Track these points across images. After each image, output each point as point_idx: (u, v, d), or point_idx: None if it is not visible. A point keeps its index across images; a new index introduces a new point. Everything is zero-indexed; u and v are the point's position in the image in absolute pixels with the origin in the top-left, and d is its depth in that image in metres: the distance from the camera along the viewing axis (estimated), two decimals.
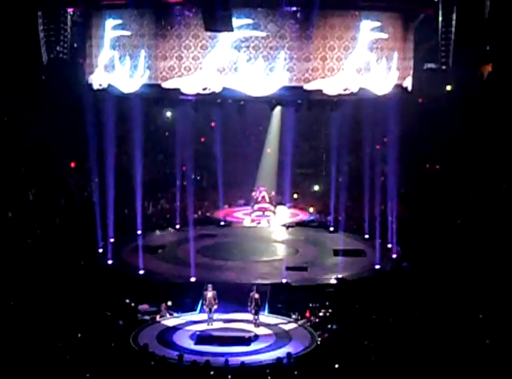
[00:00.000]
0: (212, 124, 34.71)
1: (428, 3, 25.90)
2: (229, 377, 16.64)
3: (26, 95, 34.22)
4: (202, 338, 20.86)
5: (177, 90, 24.11)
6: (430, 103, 36.88)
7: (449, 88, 35.57)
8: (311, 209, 34.92)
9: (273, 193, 34.46)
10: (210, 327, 21.72)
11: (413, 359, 16.75)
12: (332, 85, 24.23)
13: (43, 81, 36.89)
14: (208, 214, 34.45)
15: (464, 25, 27.63)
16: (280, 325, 21.87)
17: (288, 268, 25.97)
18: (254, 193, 34.06)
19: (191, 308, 22.86)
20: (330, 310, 22.26)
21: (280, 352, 19.32)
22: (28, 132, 34.37)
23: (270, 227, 32.85)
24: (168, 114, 38.68)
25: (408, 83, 25.91)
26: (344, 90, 24.47)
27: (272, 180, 35.67)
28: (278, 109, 31.14)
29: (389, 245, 28.07)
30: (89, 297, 22.49)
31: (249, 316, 22.01)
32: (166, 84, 24.15)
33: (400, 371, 16.08)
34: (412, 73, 26.14)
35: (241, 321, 22.08)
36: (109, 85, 25.15)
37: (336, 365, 16.96)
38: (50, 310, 20.58)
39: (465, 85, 35.56)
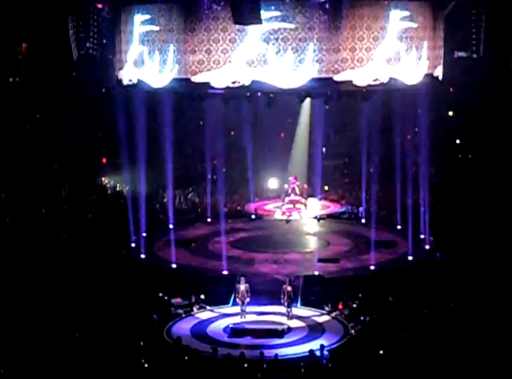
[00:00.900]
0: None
1: None
2: (263, 369, 16.64)
3: (58, 92, 34.51)
4: (236, 331, 20.86)
5: (206, 84, 24.11)
6: (461, 92, 36.55)
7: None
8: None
9: (304, 186, 34.37)
10: (243, 320, 21.72)
11: (449, 351, 16.67)
12: (361, 76, 24.10)
13: (74, 78, 37.17)
14: (239, 207, 34.45)
15: (496, 13, 27.25)
16: (313, 317, 21.84)
17: (319, 260, 25.97)
18: (285, 186, 33.97)
19: (224, 301, 22.88)
20: (363, 302, 22.17)
21: (314, 344, 19.26)
22: (61, 128, 34.62)
23: (301, 220, 32.75)
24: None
25: (438, 72, 25.71)
26: (374, 80, 24.33)
27: (303, 173, 35.59)
28: (308, 101, 31.08)
29: (422, 236, 27.89)
30: (122, 291, 22.61)
31: (282, 308, 22.01)
32: (195, 78, 24.14)
33: (435, 364, 15.96)
34: (442, 62, 25.94)
35: (274, 314, 22.07)
36: (139, 80, 25.22)
37: (370, 358, 16.90)
38: (83, 304, 20.75)
39: (497, 74, 35.26)
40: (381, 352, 17.35)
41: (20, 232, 26.76)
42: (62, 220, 28.79)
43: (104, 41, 27.25)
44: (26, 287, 21.78)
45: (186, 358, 17.33)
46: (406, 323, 19.54)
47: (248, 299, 22.09)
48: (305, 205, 33.69)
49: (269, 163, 36.57)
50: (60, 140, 34.34)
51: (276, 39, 23.63)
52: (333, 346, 19.38)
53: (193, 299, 22.77)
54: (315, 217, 32.67)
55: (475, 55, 27.90)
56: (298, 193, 33.68)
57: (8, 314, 19.17)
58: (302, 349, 19.06)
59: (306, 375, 16.23)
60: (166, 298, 22.70)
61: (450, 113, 35.52)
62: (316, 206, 34.18)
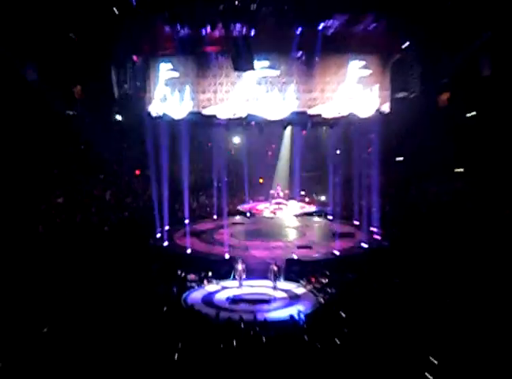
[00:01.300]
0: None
1: (399, 48, 25.62)
2: (256, 329, 16.50)
3: (105, 122, 34.41)
4: (235, 299, 20.80)
5: (213, 116, 24.12)
6: (401, 123, 36.48)
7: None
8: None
9: (286, 191, 34.25)
10: (241, 291, 21.59)
11: (391, 316, 16.52)
12: (329, 110, 24.16)
13: (116, 112, 37.05)
14: (237, 207, 34.30)
15: (428, 62, 27.24)
16: (293, 290, 21.77)
17: (298, 247, 25.88)
18: (272, 192, 33.86)
19: (226, 277, 22.78)
20: (330, 278, 22.08)
21: (293, 310, 19.18)
22: (106, 149, 34.54)
23: (284, 217, 32.61)
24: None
25: (385, 108, 25.76)
26: (338, 114, 24.39)
27: (285, 181, 35.47)
28: (289, 128, 31.10)
29: (373, 229, 27.81)
30: (150, 270, 22.44)
31: (269, 283, 21.91)
32: (205, 112, 24.18)
33: (381, 323, 15.81)
34: (388, 100, 25.96)
35: (263, 287, 21.99)
36: (163, 113, 25.19)
37: (335, 320, 16.75)
38: (120, 279, 20.60)
39: (429, 109, 35.23)
40: (343, 315, 17.24)
41: (75, 226, 26.65)
42: (106, 217, 28.62)
43: (138, 83, 27.19)
44: (79, 264, 21.67)
45: (198, 319, 17.20)
46: (362, 294, 19.42)
47: (244, 276, 22.06)
48: (286, 206, 33.60)
49: (260, 174, 36.43)
50: (105, 158, 34.22)
51: (266, 82, 23.72)
52: (308, 311, 19.28)
53: (203, 276, 22.67)
54: (294, 215, 32.57)
55: (412, 95, 27.85)
56: (281, 196, 33.59)
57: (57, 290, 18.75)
58: (284, 313, 19.00)
59: (287, 333, 16.07)
60: (183, 274, 22.58)
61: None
62: (295, 207, 34.06)
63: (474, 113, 30.39)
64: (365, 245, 26.01)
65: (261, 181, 35.04)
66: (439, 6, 23.01)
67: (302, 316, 18.08)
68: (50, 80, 28.67)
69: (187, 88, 24.59)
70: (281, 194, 33.77)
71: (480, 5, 23.71)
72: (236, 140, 37.78)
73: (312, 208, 34.19)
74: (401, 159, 33.97)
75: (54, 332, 14.28)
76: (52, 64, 27.83)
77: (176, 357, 13.58)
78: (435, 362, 12.20)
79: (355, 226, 29.27)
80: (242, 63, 21.92)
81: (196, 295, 21.24)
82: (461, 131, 32.93)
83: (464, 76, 28.91)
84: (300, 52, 23.49)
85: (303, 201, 35.18)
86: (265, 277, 22.19)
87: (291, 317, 17.77)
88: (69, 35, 26.73)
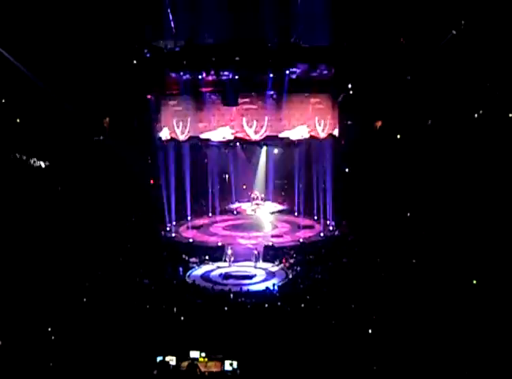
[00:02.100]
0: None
1: (345, 89, 25.73)
2: (242, 298, 16.53)
3: (131, 145, 33.29)
4: (226, 275, 20.77)
5: (208, 139, 24.11)
6: (348, 144, 36.52)
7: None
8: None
9: (263, 195, 34.23)
10: (230, 269, 21.61)
11: (339, 286, 16.58)
12: (294, 134, 24.24)
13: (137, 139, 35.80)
14: (226, 207, 34.14)
15: (367, 98, 27.23)
16: (269, 268, 21.77)
17: (272, 236, 25.89)
18: (252, 195, 33.84)
19: (219, 259, 22.72)
20: (296, 259, 22.13)
21: (269, 283, 19.25)
22: (129, 165, 33.57)
23: (261, 214, 32.60)
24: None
25: (335, 132, 25.90)
26: (301, 136, 24.51)
27: (262, 187, 35.42)
28: (264, 148, 31.16)
29: (328, 222, 27.94)
30: (161, 255, 22.36)
31: (251, 263, 21.94)
32: (202, 136, 24.14)
33: (332, 291, 15.87)
34: (337, 126, 26.11)
35: (247, 266, 21.99)
36: (171, 138, 25.10)
37: (298, 290, 16.84)
38: (137, 263, 20.37)
39: (366, 134, 35.40)
40: (301, 286, 17.34)
41: (96, 217, 25.34)
42: (126, 215, 28.15)
43: (152, 115, 26.98)
44: (96, 250, 20.82)
45: (198, 291, 17.18)
46: (318, 270, 19.54)
47: (233, 258, 22.01)
48: (263, 205, 33.56)
49: (243, 181, 36.28)
50: (127, 171, 33.60)
51: (247, 114, 23.77)
52: (279, 283, 19.34)
53: (202, 258, 22.63)
54: (270, 212, 32.57)
55: (352, 122, 28.04)
56: (260, 198, 33.55)
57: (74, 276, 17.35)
58: (262, 286, 19.03)
59: (264, 300, 16.16)
60: (187, 258, 22.53)
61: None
62: (270, 206, 34.04)
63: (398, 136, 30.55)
64: (322, 234, 26.18)
65: (244, 187, 34.84)
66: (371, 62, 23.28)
67: (275, 287, 18.20)
68: (83, 111, 27.65)
69: (188, 119, 24.60)
70: (259, 197, 33.65)
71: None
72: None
73: (282, 207, 34.16)
74: (347, 170, 34.04)
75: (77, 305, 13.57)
76: (84, 98, 26.84)
77: (182, 319, 13.62)
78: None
79: (315, 220, 29.40)
80: (229, 100, 22.12)
81: (197, 273, 21.21)
82: (391, 149, 33.03)
83: (394, 105, 28.81)
84: (272, 91, 23.62)
85: (276, 202, 34.93)
86: (248, 259, 22.25)
87: (267, 288, 17.88)
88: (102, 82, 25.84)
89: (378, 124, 32.32)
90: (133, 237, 24.11)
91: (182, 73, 23.48)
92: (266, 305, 15.04)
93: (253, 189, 34.59)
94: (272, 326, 12.96)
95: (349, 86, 25.56)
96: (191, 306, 15.01)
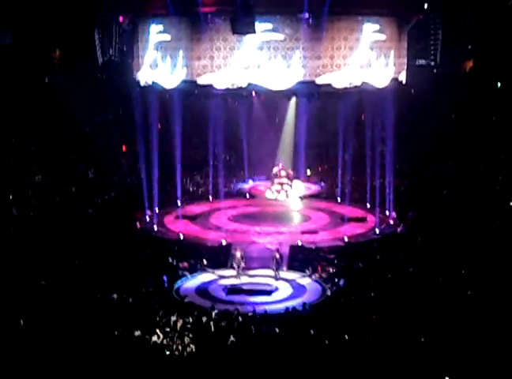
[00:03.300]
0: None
1: (419, 10, 25.50)
2: (255, 324, 16.57)
3: (86, 91, 34.31)
4: (232, 290, 20.87)
5: (210, 85, 24.06)
6: (420, 94, 36.41)
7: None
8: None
9: (290, 170, 34.21)
10: (238, 281, 21.70)
11: (408, 306, 16.68)
12: (339, 79, 24.11)
13: (100, 79, 36.96)
14: (235, 188, 34.29)
15: (450, 28, 27.12)
16: (297, 280, 21.81)
17: (302, 232, 25.95)
18: (274, 170, 33.81)
19: (223, 265, 22.79)
20: (338, 267, 22.13)
21: (296, 302, 19.25)
22: (87, 121, 34.50)
23: (287, 199, 32.64)
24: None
25: (402, 77, 25.71)
26: (350, 84, 24.37)
27: (289, 158, 35.42)
28: (294, 99, 31.03)
29: (387, 213, 27.86)
30: (137, 257, 22.47)
31: (270, 272, 22.00)
32: (200, 80, 24.08)
33: (396, 316, 16.00)
34: (406, 68, 25.88)
35: (264, 276, 22.04)
36: (153, 82, 25.11)
37: (343, 314, 16.86)
38: (105, 269, 20.65)
39: (451, 78, 35.19)
40: (346, 308, 17.41)
41: (54, 206, 26.71)
42: (89, 197, 28.69)
43: (124, 48, 27.04)
44: (60, 248, 21.93)
45: (191, 312, 17.28)
46: (371, 286, 19.50)
47: (243, 264, 22.10)
48: (290, 186, 33.59)
49: (262, 151, 36.33)
50: (87, 132, 34.16)
51: (268, 48, 23.56)
52: (313, 303, 19.35)
53: (198, 264, 22.74)
54: (299, 196, 32.61)
55: (432, 63, 27.79)
56: (285, 176, 33.55)
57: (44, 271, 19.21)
58: (286, 306, 19.03)
59: (290, 327, 16.18)
60: (175, 262, 22.62)
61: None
62: (299, 187, 34.06)
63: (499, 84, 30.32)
64: (378, 231, 26.08)
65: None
66: None
67: (306, 308, 18.20)
68: (26, 44, 28.48)
69: (180, 54, 24.41)
70: (284, 174, 33.69)
71: None
72: None
73: (319, 189, 34.16)
74: (419, 134, 33.90)
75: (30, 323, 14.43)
76: (28, 26, 27.61)
77: (168, 353, 13.71)
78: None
79: (367, 209, 29.28)
80: (241, 26, 21.84)
81: (189, 285, 21.28)
82: (485, 104, 32.89)
83: (490, 42, 28.82)
84: (307, 14, 23.33)
85: (309, 181, 35.09)
86: (267, 265, 22.27)
87: (294, 309, 17.88)
88: None
89: (468, 65, 31.93)
90: (95, 230, 24.31)
91: None
92: (292, 336, 15.06)
93: (275, 161, 34.56)
94: (300, 367, 12.97)
95: (425, 5, 25.20)
96: (180, 334, 15.11)
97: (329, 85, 24.21)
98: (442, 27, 27.47)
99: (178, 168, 29.11)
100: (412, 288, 18.62)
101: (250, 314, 17.54)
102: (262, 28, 22.95)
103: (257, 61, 23.72)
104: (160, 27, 24.54)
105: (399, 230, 26.13)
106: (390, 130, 28.11)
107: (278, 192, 32.71)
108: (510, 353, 12.72)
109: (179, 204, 29.30)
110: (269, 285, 21.28)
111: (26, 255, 20.78)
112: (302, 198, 32.25)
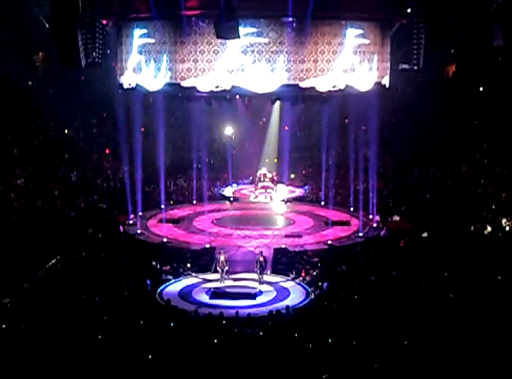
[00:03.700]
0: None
1: (402, 14, 25.57)
2: (239, 327, 16.53)
3: (68, 94, 34.17)
4: (216, 294, 20.82)
5: (193, 88, 23.94)
6: (403, 98, 36.62)
7: None
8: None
9: (274, 174, 34.28)
10: (222, 284, 21.65)
11: (389, 309, 16.69)
12: (322, 83, 24.02)
13: (83, 82, 36.85)
14: (218, 191, 34.29)
15: (433, 32, 27.21)
16: (280, 283, 21.81)
17: (286, 236, 25.95)
18: (258, 174, 33.85)
19: (206, 269, 22.77)
20: (321, 271, 22.12)
21: (280, 305, 19.24)
22: (70, 123, 34.35)
23: (271, 202, 32.67)
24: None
25: (386, 81, 25.72)
26: (333, 87, 24.30)
27: (272, 162, 35.48)
28: (278, 103, 31.02)
29: (371, 216, 27.95)
30: (120, 261, 22.39)
31: (254, 275, 21.97)
32: (184, 83, 23.95)
33: (378, 319, 16.01)
34: (389, 72, 25.92)
35: (248, 280, 22.03)
36: (137, 85, 24.97)
37: (327, 316, 16.86)
38: (87, 272, 20.55)
39: (434, 83, 35.44)
40: (329, 311, 17.41)
41: (36, 209, 26.54)
42: (71, 201, 28.54)
43: (108, 51, 26.93)
44: (43, 251, 21.89)
45: (174, 316, 17.22)
46: (354, 288, 19.53)
47: (227, 267, 22.05)
48: (274, 190, 33.64)
49: (245, 154, 36.38)
50: (70, 135, 34.00)
51: (252, 51, 23.46)
52: (297, 306, 19.35)
53: (181, 268, 22.69)
54: (282, 200, 32.65)
55: (415, 67, 27.88)
56: (269, 180, 33.59)
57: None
58: (270, 309, 18.98)
59: (273, 330, 16.17)
60: (158, 266, 22.56)
61: None
62: (283, 191, 34.12)
63: (481, 89, 30.56)
64: (361, 234, 26.14)
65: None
66: None
67: (290, 311, 18.19)
68: (7, 46, 28.34)
69: (164, 57, 24.29)
70: (268, 177, 33.74)
71: None
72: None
73: (302, 193, 34.24)
74: (401, 138, 34.08)
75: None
76: (11, 29, 27.47)
77: (151, 357, 13.65)
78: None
79: (351, 212, 29.35)
80: (225, 29, 21.75)
81: (173, 289, 21.19)
82: (468, 108, 33.12)
83: (472, 47, 28.99)
84: (291, 18, 23.34)
85: (293, 185, 35.17)
86: (250, 269, 22.22)
87: (278, 312, 17.86)
88: None
89: (451, 70, 32.16)
90: (77, 233, 24.17)
91: None
92: (275, 339, 15.06)
93: (259, 164, 34.64)
94: (284, 371, 12.98)
95: (408, 10, 25.27)
96: (164, 339, 15.06)
97: (313, 89, 24.23)
98: (425, 31, 27.53)
99: (162, 171, 29.04)
100: (395, 291, 18.68)
101: (233, 317, 17.51)
102: (246, 31, 22.94)
103: (241, 64, 23.70)
104: (144, 30, 24.43)
105: (382, 233, 26.24)
106: (374, 134, 28.24)
107: (262, 195, 32.76)
108: (493, 355, 12.80)
109: (163, 207, 29.21)
110: (253, 288, 21.24)
111: (8, 257, 20.62)
112: (286, 202, 32.32)
